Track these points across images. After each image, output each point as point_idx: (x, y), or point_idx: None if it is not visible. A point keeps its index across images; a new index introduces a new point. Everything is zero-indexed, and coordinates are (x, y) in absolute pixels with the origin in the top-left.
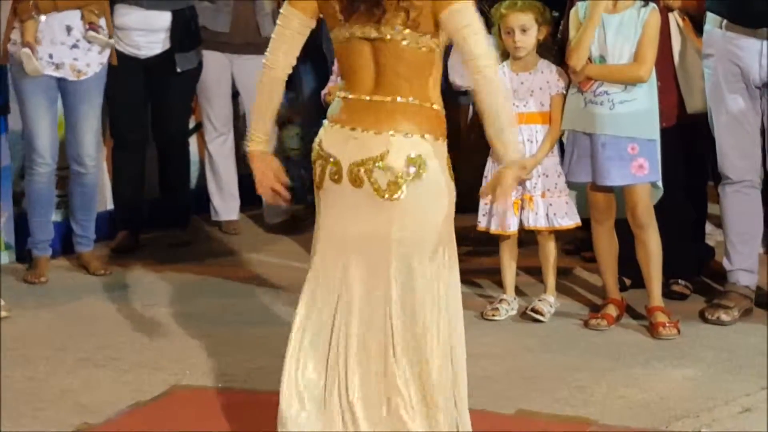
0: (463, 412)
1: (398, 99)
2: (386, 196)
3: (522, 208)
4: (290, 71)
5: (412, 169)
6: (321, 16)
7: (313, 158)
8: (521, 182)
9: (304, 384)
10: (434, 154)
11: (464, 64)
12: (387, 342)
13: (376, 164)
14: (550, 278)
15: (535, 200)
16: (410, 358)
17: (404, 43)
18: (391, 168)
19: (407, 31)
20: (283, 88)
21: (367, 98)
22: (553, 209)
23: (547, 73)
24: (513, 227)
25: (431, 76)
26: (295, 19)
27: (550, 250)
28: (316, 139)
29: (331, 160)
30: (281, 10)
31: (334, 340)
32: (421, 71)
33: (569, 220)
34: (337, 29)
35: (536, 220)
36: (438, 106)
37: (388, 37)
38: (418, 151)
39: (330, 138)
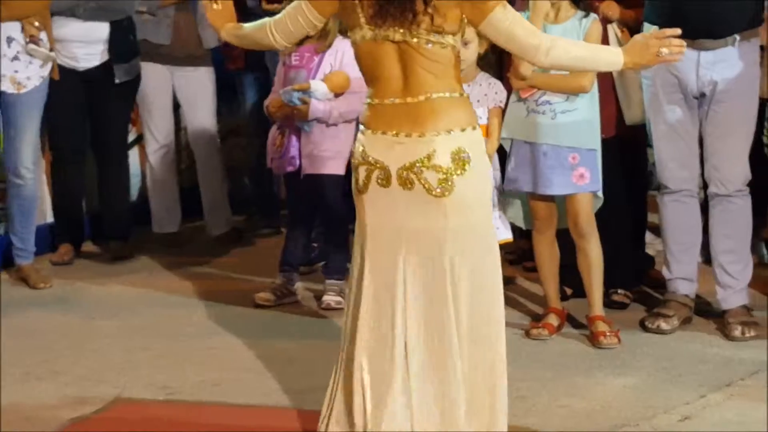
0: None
1: (432, 95)
2: (438, 194)
3: None
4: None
5: (459, 164)
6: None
7: (355, 164)
8: None
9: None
10: (474, 144)
11: (524, 58)
12: (451, 341)
13: (425, 165)
14: None
15: None
16: (478, 354)
17: (429, 45)
18: (440, 166)
19: (432, 34)
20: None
21: (399, 101)
22: None
23: (485, 86)
24: None
25: (455, 69)
26: (310, 16)
27: None
28: (357, 146)
29: (378, 165)
30: (296, 3)
31: (397, 349)
32: (447, 67)
33: (501, 234)
34: (357, 30)
35: None
36: (465, 94)
37: (414, 39)
38: (461, 144)
39: (373, 144)
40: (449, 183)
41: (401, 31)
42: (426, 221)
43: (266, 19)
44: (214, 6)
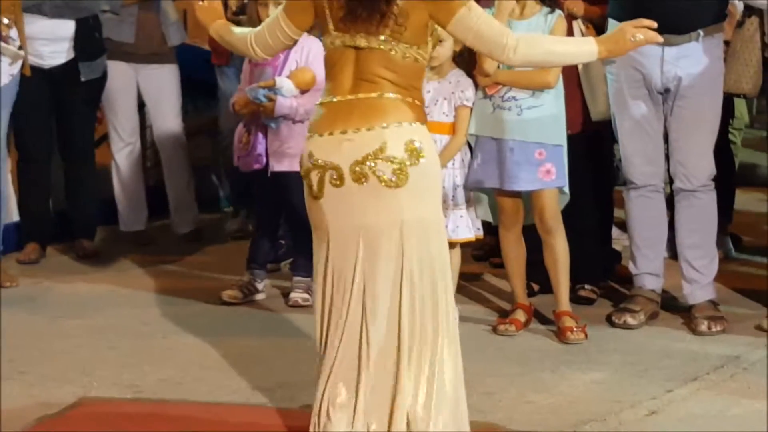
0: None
1: (385, 95)
2: (393, 184)
3: None
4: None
5: (413, 155)
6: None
7: (304, 172)
8: None
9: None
10: (425, 137)
11: (492, 56)
12: (401, 333)
13: (378, 158)
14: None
15: None
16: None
17: (392, 52)
18: (394, 157)
19: (394, 41)
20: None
21: (350, 97)
22: (446, 221)
23: (455, 84)
24: None
25: (417, 83)
26: (287, 29)
27: (450, 260)
28: (304, 154)
29: (330, 166)
30: (276, 12)
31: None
32: (406, 79)
33: (464, 233)
34: (327, 36)
35: None
36: (420, 102)
37: (381, 46)
38: (413, 137)
39: (321, 147)
40: (403, 173)
41: (368, 37)
42: (381, 214)
43: (247, 32)
44: (202, 3)
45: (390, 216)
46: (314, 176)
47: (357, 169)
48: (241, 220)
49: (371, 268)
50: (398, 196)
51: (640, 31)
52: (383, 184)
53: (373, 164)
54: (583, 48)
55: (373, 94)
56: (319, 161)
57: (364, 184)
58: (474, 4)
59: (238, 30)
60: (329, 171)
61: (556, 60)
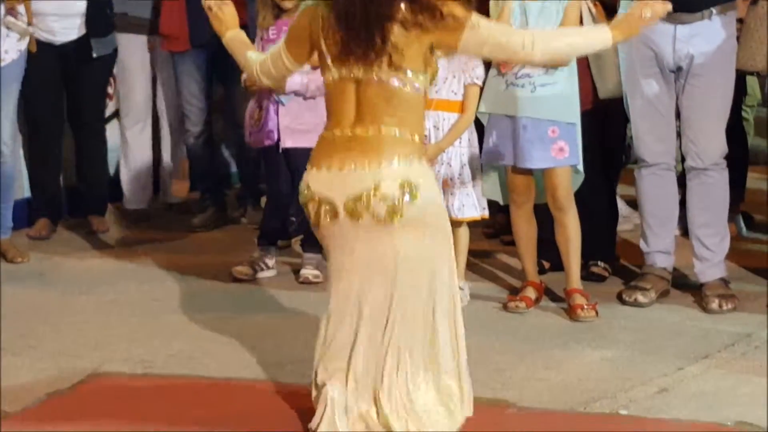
0: None
1: (382, 130)
2: (387, 220)
3: None
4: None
5: (407, 194)
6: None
7: (302, 201)
8: None
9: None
10: (423, 174)
11: (514, 59)
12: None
13: (373, 196)
14: (460, 265)
15: None
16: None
17: (391, 82)
18: (388, 196)
19: (392, 70)
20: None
21: (349, 132)
22: (453, 199)
23: (465, 61)
24: None
25: (417, 115)
26: (287, 62)
27: (458, 237)
28: (303, 184)
29: (325, 200)
30: (278, 46)
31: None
32: (406, 108)
33: (471, 212)
34: (327, 72)
35: None
36: (419, 137)
37: (375, 77)
38: (409, 175)
39: (318, 180)
40: (397, 212)
41: (366, 68)
42: (378, 248)
43: (254, 58)
44: (215, 11)
45: (386, 249)
46: (311, 207)
47: (351, 205)
48: (207, 215)
49: (367, 291)
50: (392, 232)
51: (648, 4)
52: (376, 221)
53: (367, 202)
54: (598, 35)
55: (372, 131)
56: (316, 194)
57: (359, 221)
58: (476, 17)
59: (248, 54)
60: (324, 205)
61: (577, 50)
